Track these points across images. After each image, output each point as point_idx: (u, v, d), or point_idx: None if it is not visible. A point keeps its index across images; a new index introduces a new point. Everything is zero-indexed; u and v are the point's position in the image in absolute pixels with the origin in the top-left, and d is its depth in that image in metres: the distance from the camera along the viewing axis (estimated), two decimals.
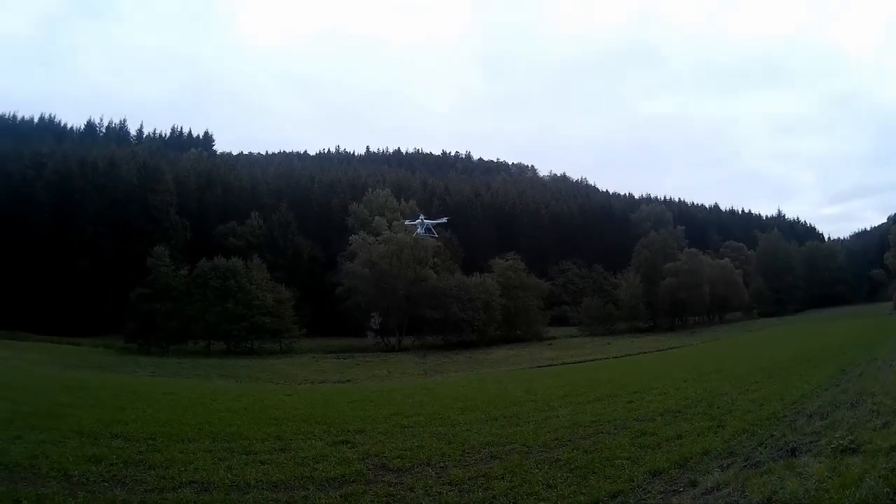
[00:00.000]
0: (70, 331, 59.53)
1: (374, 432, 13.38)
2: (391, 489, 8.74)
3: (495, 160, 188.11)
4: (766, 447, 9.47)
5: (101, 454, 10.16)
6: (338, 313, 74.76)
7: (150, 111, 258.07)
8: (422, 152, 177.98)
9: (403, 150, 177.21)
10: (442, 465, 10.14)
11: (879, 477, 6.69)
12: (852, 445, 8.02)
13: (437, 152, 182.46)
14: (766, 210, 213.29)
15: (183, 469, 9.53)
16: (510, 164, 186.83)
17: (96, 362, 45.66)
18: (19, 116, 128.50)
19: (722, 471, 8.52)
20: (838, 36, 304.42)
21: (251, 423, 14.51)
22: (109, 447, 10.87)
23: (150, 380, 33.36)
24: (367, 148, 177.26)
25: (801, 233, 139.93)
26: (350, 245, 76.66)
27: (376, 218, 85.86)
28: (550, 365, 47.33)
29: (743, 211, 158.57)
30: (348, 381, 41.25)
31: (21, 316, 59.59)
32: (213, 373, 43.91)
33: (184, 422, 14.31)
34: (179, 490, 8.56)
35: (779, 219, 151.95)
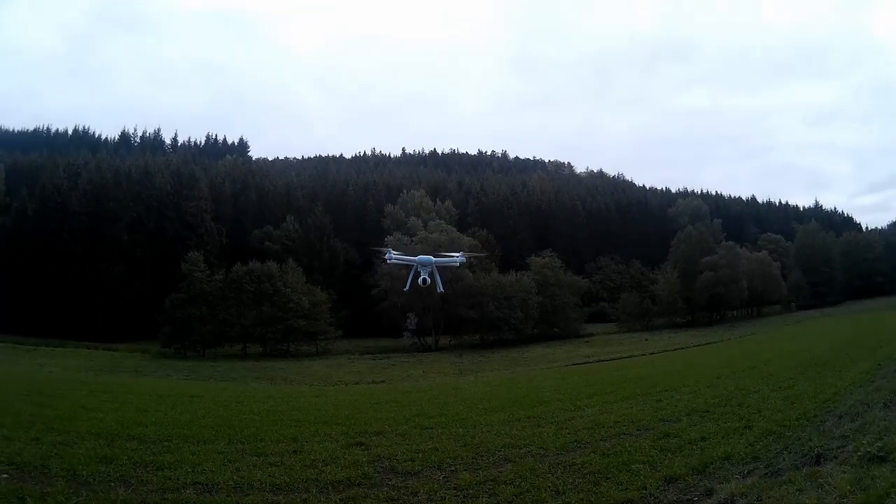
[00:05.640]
0: (107, 337, 60.85)
1: (391, 434, 13.24)
2: (394, 493, 8.53)
3: (532, 158, 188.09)
4: (790, 452, 8.92)
5: (113, 455, 10.27)
6: (374, 315, 74.41)
7: (185, 120, 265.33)
8: (457, 153, 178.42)
9: (439, 151, 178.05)
10: (452, 468, 9.87)
11: None
12: (881, 453, 7.43)
13: (473, 152, 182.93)
14: (803, 201, 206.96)
15: (190, 470, 9.53)
16: (547, 161, 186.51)
17: (132, 367, 46.93)
18: (53, 129, 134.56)
19: (741, 478, 8.01)
20: (875, 25, 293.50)
21: (270, 425, 14.54)
22: (123, 448, 11.00)
23: (180, 383, 33.87)
24: (403, 150, 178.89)
25: (837, 223, 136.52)
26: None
27: (411, 219, 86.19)
28: (586, 363, 46.56)
29: (780, 202, 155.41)
30: (382, 381, 41.20)
31: (59, 323, 61.24)
32: (248, 375, 44.48)
33: (203, 424, 14.40)
34: (182, 491, 8.55)
35: (816, 209, 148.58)
